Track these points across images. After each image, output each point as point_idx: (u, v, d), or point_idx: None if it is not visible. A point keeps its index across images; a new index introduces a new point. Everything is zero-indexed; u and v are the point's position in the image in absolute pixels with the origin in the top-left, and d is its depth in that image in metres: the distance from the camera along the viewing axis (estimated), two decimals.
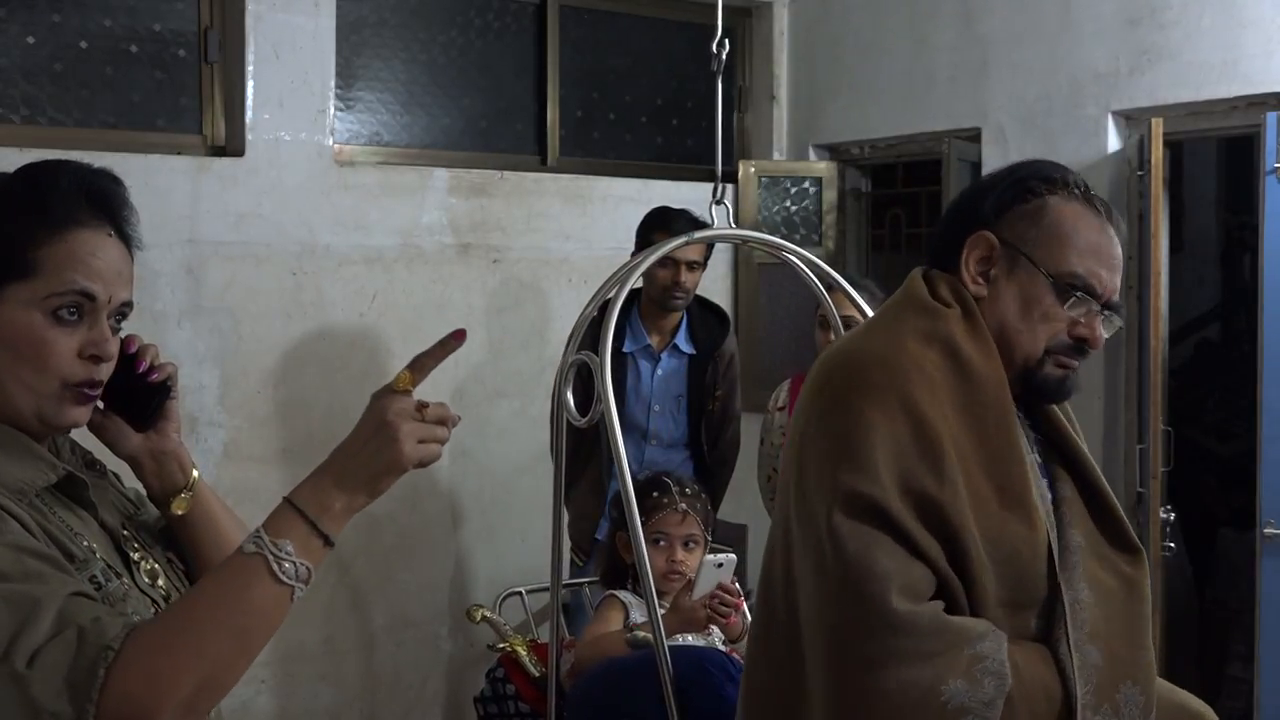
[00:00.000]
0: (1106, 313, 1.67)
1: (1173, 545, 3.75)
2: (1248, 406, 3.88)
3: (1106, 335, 1.69)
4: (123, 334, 1.37)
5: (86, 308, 1.29)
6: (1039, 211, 1.64)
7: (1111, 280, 1.65)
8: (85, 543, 1.30)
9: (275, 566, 1.18)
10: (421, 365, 1.28)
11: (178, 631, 1.16)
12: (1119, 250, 1.67)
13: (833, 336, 3.38)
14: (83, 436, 1.42)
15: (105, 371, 1.32)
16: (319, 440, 3.69)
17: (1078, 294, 1.63)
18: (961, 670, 1.49)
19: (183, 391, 1.50)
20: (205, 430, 3.52)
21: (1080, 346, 1.65)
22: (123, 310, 1.34)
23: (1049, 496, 1.67)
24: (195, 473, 1.47)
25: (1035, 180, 1.66)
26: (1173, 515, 3.76)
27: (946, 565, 1.54)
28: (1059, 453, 1.72)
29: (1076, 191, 1.66)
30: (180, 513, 1.45)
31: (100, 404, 1.39)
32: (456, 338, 1.29)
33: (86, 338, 1.29)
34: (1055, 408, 1.74)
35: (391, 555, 3.89)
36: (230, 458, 3.56)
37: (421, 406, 1.25)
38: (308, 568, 1.20)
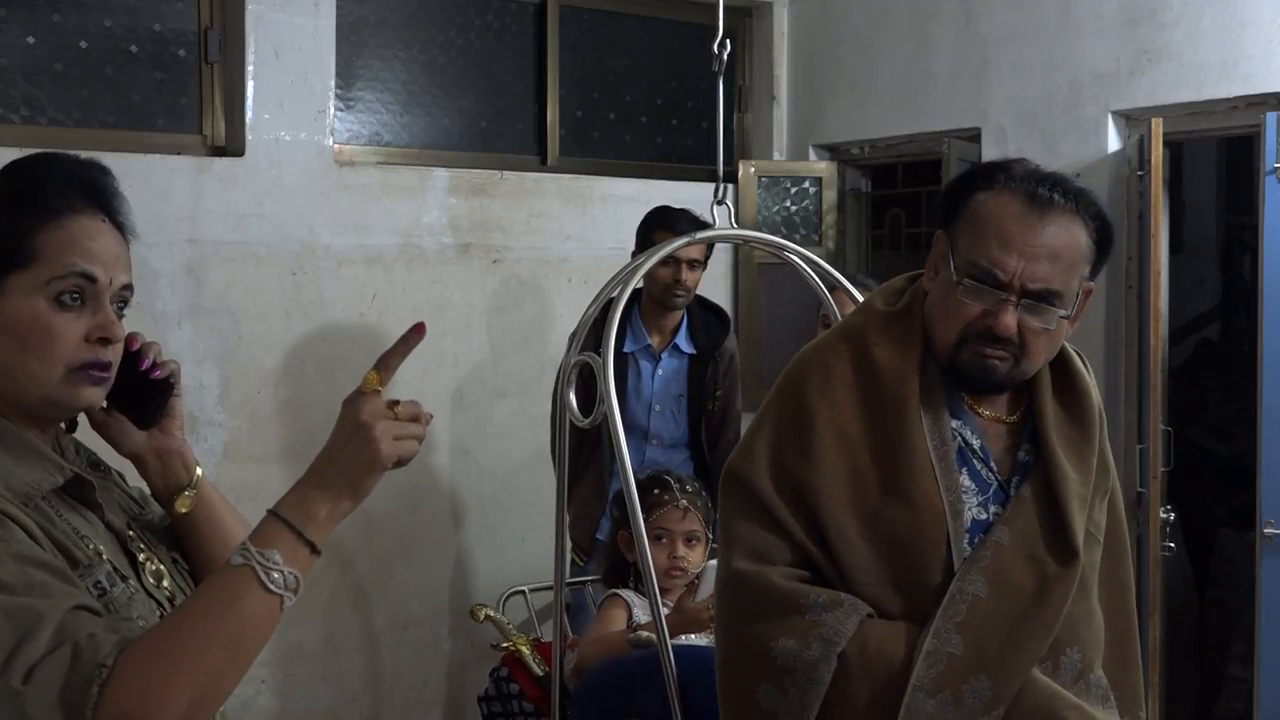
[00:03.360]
0: (1028, 302, 1.65)
1: (1173, 545, 3.75)
2: (1248, 406, 3.88)
3: (1044, 327, 1.67)
4: (125, 330, 1.37)
5: (89, 291, 1.29)
6: (973, 207, 1.69)
7: (1029, 269, 1.63)
8: (91, 545, 1.30)
9: (264, 576, 1.18)
10: (387, 364, 1.28)
11: (170, 646, 1.16)
12: (1050, 239, 1.64)
13: None
14: (86, 436, 1.42)
15: (114, 354, 1.32)
16: (319, 440, 3.67)
17: (970, 282, 1.65)
18: (795, 632, 1.62)
19: (184, 391, 1.49)
20: (206, 430, 3.52)
21: (993, 336, 1.66)
22: (124, 295, 1.34)
23: (977, 487, 1.70)
24: (198, 471, 1.47)
25: (980, 178, 1.71)
26: (1173, 515, 3.76)
27: (806, 539, 1.67)
28: (1039, 451, 1.73)
29: (1016, 184, 1.67)
30: (184, 511, 1.45)
31: (104, 402, 1.39)
32: (416, 332, 1.29)
33: (92, 321, 1.29)
34: (1078, 408, 1.75)
35: (391, 555, 3.89)
36: (230, 457, 3.56)
37: (393, 405, 1.25)
38: (296, 576, 1.20)
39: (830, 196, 4.71)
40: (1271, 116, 3.49)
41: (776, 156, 4.83)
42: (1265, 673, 3.55)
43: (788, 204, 4.72)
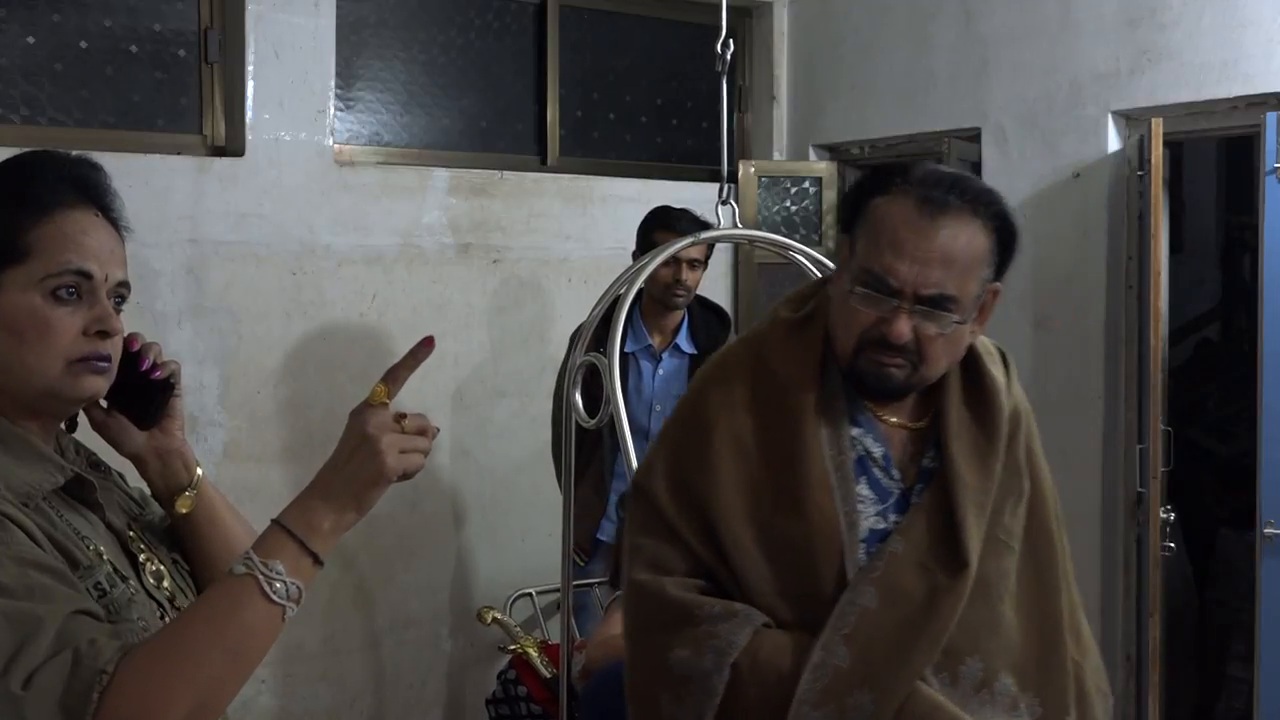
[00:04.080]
0: (922, 309, 1.62)
1: (1173, 545, 3.75)
2: (1248, 406, 3.88)
3: (940, 332, 1.63)
4: (124, 331, 1.37)
5: (84, 286, 1.29)
6: (870, 212, 1.67)
7: (921, 275, 1.60)
8: (92, 546, 1.30)
9: (266, 587, 1.18)
10: (396, 377, 1.27)
11: (171, 654, 1.16)
12: (943, 244, 1.60)
13: None
14: (87, 436, 1.42)
15: (113, 347, 1.32)
16: (319, 440, 3.70)
17: (862, 290, 1.63)
18: (690, 642, 1.62)
19: (184, 391, 1.49)
20: (206, 430, 3.52)
21: (889, 344, 1.63)
22: (120, 291, 1.34)
23: (877, 496, 1.69)
24: (199, 471, 1.47)
25: (878, 182, 1.70)
26: (1173, 515, 3.75)
27: (704, 550, 1.67)
28: (944, 461, 1.70)
29: (911, 189, 1.64)
30: (185, 511, 1.45)
31: (104, 402, 1.39)
32: (426, 345, 1.29)
33: (90, 315, 1.29)
34: (984, 412, 1.73)
35: (392, 555, 3.89)
36: (230, 457, 3.55)
37: (400, 418, 1.24)
38: (299, 587, 1.20)
39: (830, 196, 4.71)
40: (1271, 116, 3.49)
41: (776, 156, 4.83)
42: (1265, 673, 3.55)
43: (788, 204, 4.72)
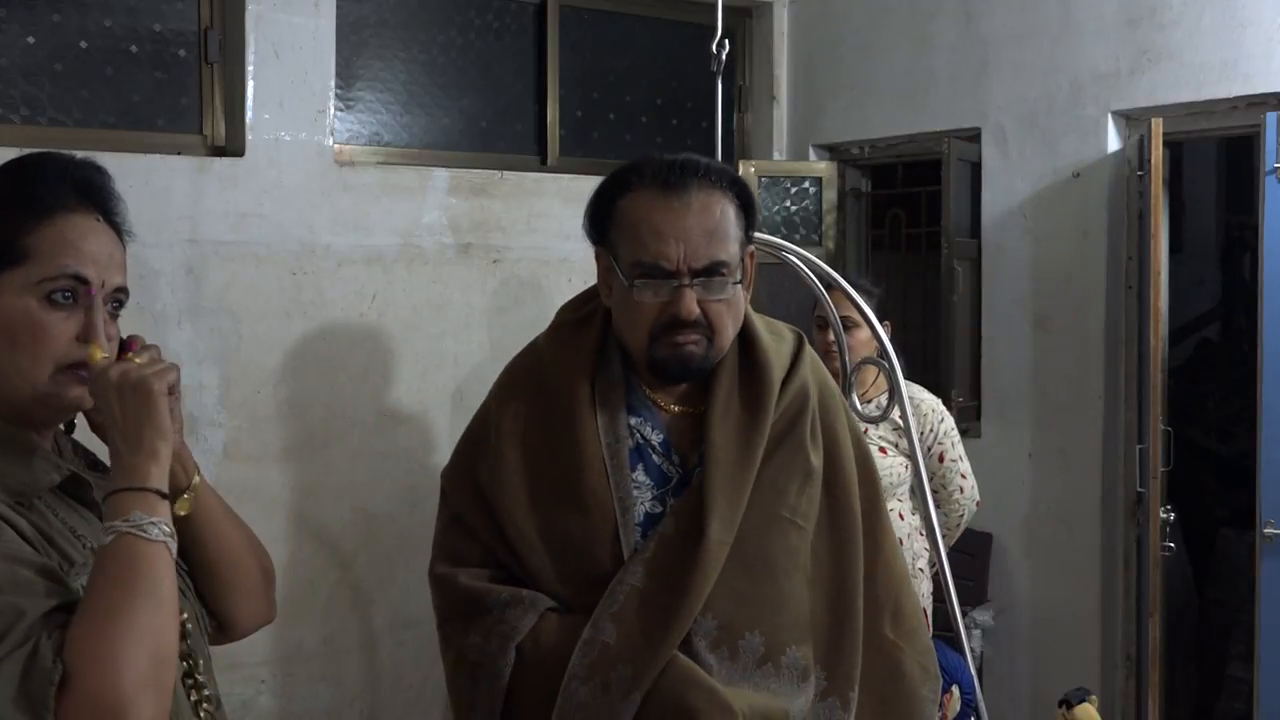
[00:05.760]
0: (701, 280, 1.70)
1: (1172, 545, 3.75)
2: (1248, 406, 3.89)
3: (723, 298, 1.72)
4: (123, 334, 1.37)
5: (80, 291, 1.29)
6: (619, 215, 1.75)
7: (690, 250, 1.69)
8: (88, 544, 1.30)
9: (141, 533, 1.22)
10: (88, 333, 1.31)
11: (101, 619, 1.18)
12: (698, 217, 1.70)
13: (831, 336, 3.39)
14: (85, 437, 1.42)
15: (108, 354, 1.32)
16: (319, 440, 3.70)
17: (641, 281, 1.71)
18: (482, 629, 1.72)
19: (183, 391, 1.50)
20: (206, 430, 3.52)
21: (681, 322, 1.71)
22: (118, 297, 1.34)
23: (654, 481, 1.76)
24: (197, 474, 1.47)
25: (615, 185, 1.78)
26: (1173, 515, 3.76)
27: (494, 541, 1.78)
28: (705, 440, 1.77)
29: (649, 179, 1.73)
30: (183, 513, 1.45)
31: None
32: (88, 292, 1.32)
33: (84, 321, 1.30)
34: (753, 394, 1.78)
35: (392, 555, 3.89)
36: (230, 457, 3.55)
37: (124, 356, 1.29)
38: (166, 524, 1.24)
39: (830, 196, 4.71)
40: (1271, 116, 3.49)
41: (776, 156, 4.83)
42: (1265, 673, 3.55)
43: (788, 204, 4.72)
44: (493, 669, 1.70)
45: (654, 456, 1.78)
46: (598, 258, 1.80)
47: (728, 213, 1.73)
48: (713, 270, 1.70)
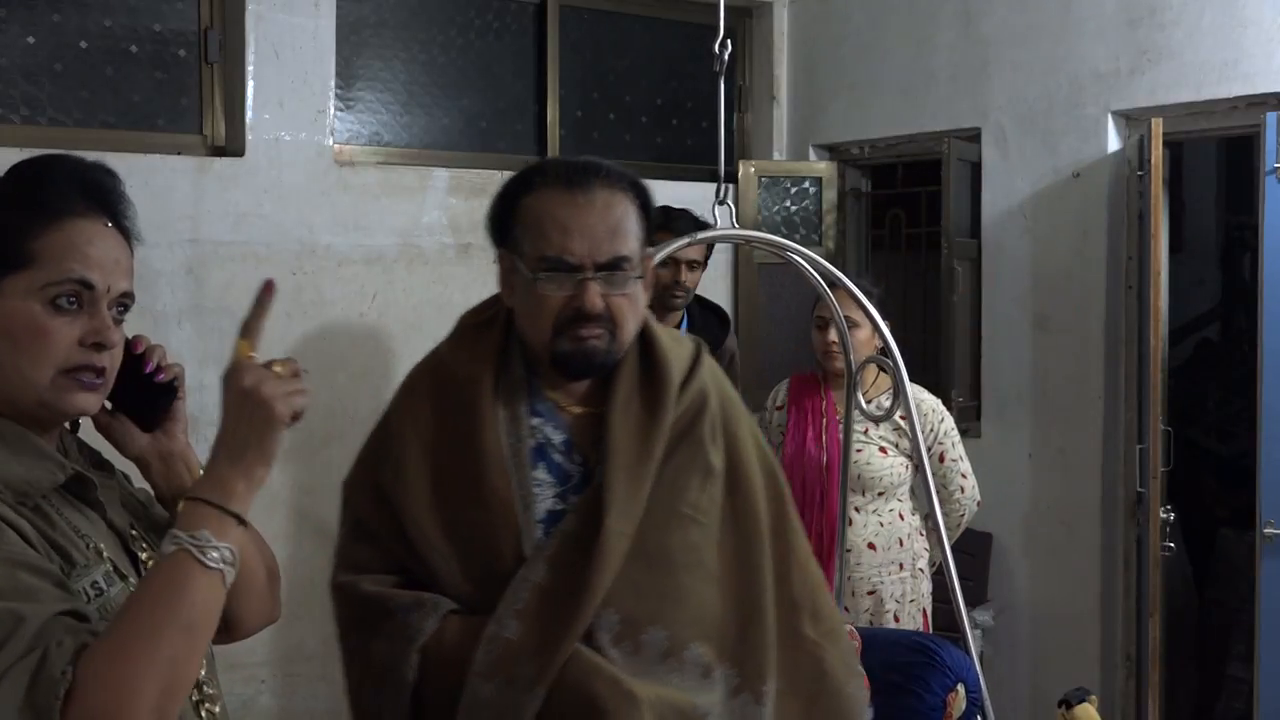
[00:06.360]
0: (604, 274, 1.72)
1: (1173, 545, 3.75)
2: (1248, 406, 3.89)
3: (624, 293, 1.74)
4: (128, 334, 1.37)
5: (85, 297, 1.29)
6: (522, 213, 1.77)
7: (594, 244, 1.71)
8: (91, 544, 1.30)
9: (201, 556, 1.20)
10: (251, 329, 1.31)
11: (129, 639, 1.16)
12: (601, 213, 1.73)
13: (832, 335, 3.39)
14: (90, 437, 1.42)
15: (110, 360, 1.32)
16: (319, 440, 3.70)
17: (545, 274, 1.72)
18: (385, 634, 1.71)
19: (185, 392, 1.50)
20: (206, 430, 3.48)
21: (585, 315, 1.72)
22: (124, 301, 1.33)
23: (555, 479, 1.77)
24: (201, 474, 1.47)
25: (519, 185, 1.80)
26: (1173, 515, 3.76)
27: (396, 544, 1.76)
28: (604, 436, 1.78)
29: (553, 178, 1.76)
30: None
31: (108, 404, 1.39)
32: (268, 291, 1.32)
33: (88, 326, 1.29)
34: (652, 392, 1.79)
35: None
36: None
37: (270, 365, 1.28)
38: (230, 550, 1.22)
39: (830, 196, 4.71)
40: (1271, 116, 3.49)
41: (776, 156, 4.83)
42: (1265, 673, 3.55)
43: (788, 204, 4.72)
44: (398, 674, 1.69)
45: (555, 455, 1.78)
46: (500, 260, 1.83)
47: (630, 212, 1.75)
48: (616, 265, 1.72)
